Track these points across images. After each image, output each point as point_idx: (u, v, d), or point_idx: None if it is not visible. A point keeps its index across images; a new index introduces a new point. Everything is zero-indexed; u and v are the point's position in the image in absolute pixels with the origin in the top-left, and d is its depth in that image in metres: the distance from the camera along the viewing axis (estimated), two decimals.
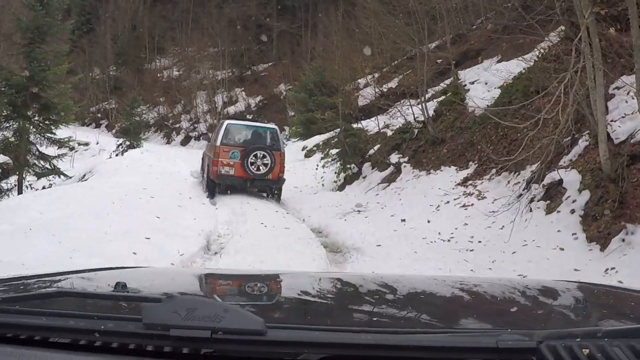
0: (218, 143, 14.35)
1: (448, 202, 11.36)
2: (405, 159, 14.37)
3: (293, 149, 23.62)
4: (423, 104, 14.12)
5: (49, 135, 19.79)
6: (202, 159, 17.51)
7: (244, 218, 11.52)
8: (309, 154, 22.36)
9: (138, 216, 9.97)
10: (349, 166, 16.30)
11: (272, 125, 16.77)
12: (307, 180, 17.66)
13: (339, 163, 16.59)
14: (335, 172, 16.56)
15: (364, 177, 15.55)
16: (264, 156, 14.12)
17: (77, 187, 14.74)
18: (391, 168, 14.52)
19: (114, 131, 47.17)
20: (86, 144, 38.92)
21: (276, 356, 1.21)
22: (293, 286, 2.27)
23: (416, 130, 15.25)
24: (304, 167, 19.59)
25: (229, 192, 14.34)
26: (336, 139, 17.04)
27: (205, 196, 14.39)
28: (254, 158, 14.06)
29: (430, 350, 1.19)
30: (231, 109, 43.34)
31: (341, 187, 16.06)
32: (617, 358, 1.11)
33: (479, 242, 9.10)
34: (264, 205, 13.67)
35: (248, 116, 34.98)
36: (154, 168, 19.12)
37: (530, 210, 9.29)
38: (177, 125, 45.55)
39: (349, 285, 2.34)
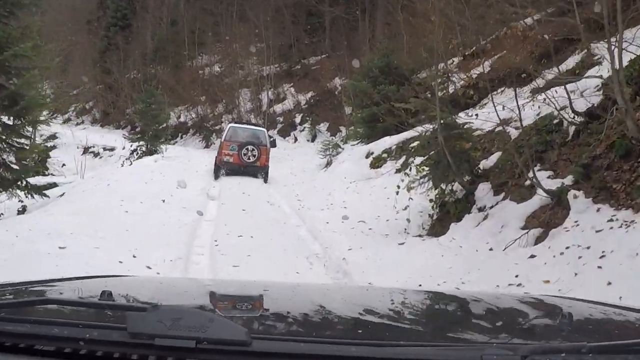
0: (223, 140, 20.04)
1: None
2: (569, 181, 7.64)
3: (354, 156, 17.26)
4: (616, 75, 7.16)
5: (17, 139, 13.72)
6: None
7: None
8: (376, 163, 15.78)
9: None
10: (448, 187, 9.72)
11: (261, 128, 23.77)
12: (377, 207, 11.28)
13: (429, 180, 9.97)
14: (431, 200, 9.92)
15: (483, 210, 8.98)
16: (252, 149, 19.23)
17: None
18: (540, 197, 7.79)
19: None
20: (112, 149, 33.28)
21: None
22: (279, 297, 2.24)
23: (572, 128, 8.50)
24: (370, 185, 13.17)
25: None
26: (425, 142, 10.47)
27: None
28: (246, 150, 19.10)
29: None
30: (278, 108, 37.12)
31: (438, 227, 9.60)
32: None
33: None
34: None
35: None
36: (150, 188, 12.87)
37: None
38: (218, 127, 39.62)
39: (335, 296, 2.31)
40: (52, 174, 23.81)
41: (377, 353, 1.20)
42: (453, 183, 9.80)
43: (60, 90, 58.60)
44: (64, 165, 29.65)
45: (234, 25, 42.36)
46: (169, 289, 2.35)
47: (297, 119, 35.43)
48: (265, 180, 19.08)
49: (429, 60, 19.32)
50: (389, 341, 1.38)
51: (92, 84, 53.09)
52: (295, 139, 33.90)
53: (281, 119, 36.43)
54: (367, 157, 16.96)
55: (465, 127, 9.68)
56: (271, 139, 33.80)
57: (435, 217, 9.94)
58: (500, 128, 10.51)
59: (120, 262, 7.20)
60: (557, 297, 2.43)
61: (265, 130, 22.33)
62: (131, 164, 20.44)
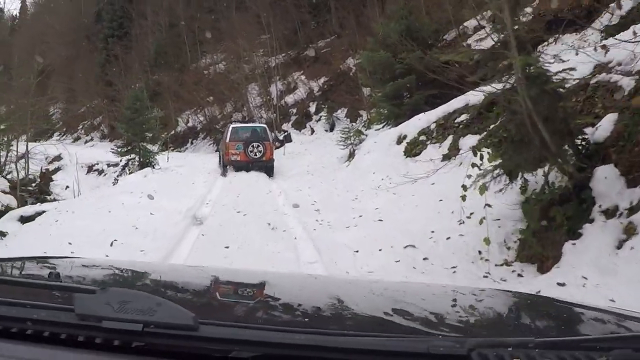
0: (227, 140, 20.14)
1: None
2: None
3: (381, 143, 13.61)
4: None
5: None
6: (219, 150, 23.53)
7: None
8: (412, 149, 11.98)
9: None
10: (537, 176, 6.00)
11: (262, 125, 23.75)
12: (427, 217, 7.70)
13: (496, 172, 6.20)
14: (524, 201, 6.23)
15: (614, 213, 5.19)
16: (258, 146, 19.76)
17: None
18: None
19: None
20: (115, 165, 30.12)
21: (207, 352, 1.17)
22: (229, 283, 2.22)
23: None
24: (410, 182, 9.38)
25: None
26: (491, 110, 6.77)
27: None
28: (252, 147, 19.66)
29: (361, 353, 1.16)
30: (290, 99, 33.39)
31: (537, 248, 5.77)
32: None
33: None
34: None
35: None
36: (113, 220, 9.44)
37: None
38: None
39: (285, 284, 2.28)
40: (55, 199, 21.12)
41: (323, 341, 1.18)
42: (547, 167, 6.02)
43: (67, 112, 56.21)
44: (67, 187, 26.45)
45: (234, 18, 38.64)
46: (119, 272, 2.27)
47: (312, 108, 31.69)
48: (271, 175, 19.32)
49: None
50: (335, 330, 1.36)
51: (98, 99, 49.90)
52: (312, 131, 30.18)
53: (294, 111, 32.73)
54: (398, 142, 13.20)
55: (562, 79, 5.78)
56: (285, 134, 30.61)
57: (527, 230, 6.10)
58: (601, 77, 6.72)
59: None
60: (510, 292, 2.36)
61: (266, 126, 22.69)
62: (116, 182, 16.92)
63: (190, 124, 39.37)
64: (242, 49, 36.17)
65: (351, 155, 19.59)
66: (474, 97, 11.36)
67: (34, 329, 1.22)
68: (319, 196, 12.38)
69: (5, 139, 25.62)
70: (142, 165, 20.72)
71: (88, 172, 32.37)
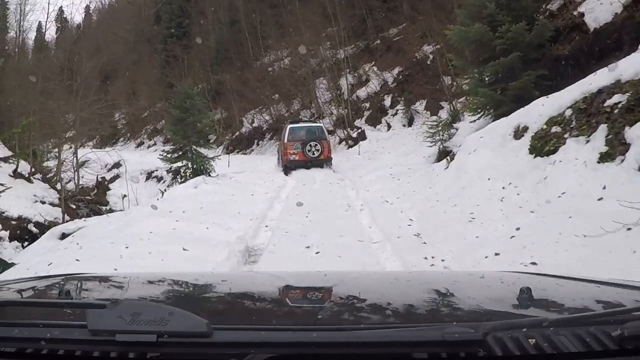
0: (285, 141, 20.61)
1: None
2: None
3: (490, 138, 10.81)
4: None
5: None
6: (278, 152, 24.29)
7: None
8: (542, 146, 8.85)
9: None
10: None
11: (318, 124, 23.78)
12: (610, 255, 4.55)
13: None
14: None
15: None
16: (315, 145, 20.16)
17: None
18: None
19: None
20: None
21: (222, 357, 1.18)
22: (239, 287, 2.23)
23: None
24: (555, 193, 6.43)
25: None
26: None
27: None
28: (309, 147, 20.05)
29: (376, 346, 1.16)
30: (362, 92, 30.41)
31: None
32: (564, 347, 1.11)
33: None
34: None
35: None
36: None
37: None
38: None
39: (294, 283, 2.27)
40: (111, 209, 19.56)
41: (337, 337, 1.19)
42: None
43: (130, 117, 54.80)
44: (125, 196, 24.09)
45: (298, 11, 35.79)
46: (128, 285, 2.23)
47: (387, 102, 28.60)
48: (330, 167, 20.06)
49: None
50: (351, 325, 1.39)
51: (160, 103, 48.12)
52: (388, 126, 27.11)
53: (367, 105, 29.71)
54: (517, 136, 10.04)
55: None
56: (359, 131, 27.65)
57: None
58: None
59: None
60: (518, 272, 2.39)
61: (322, 125, 23.24)
62: (162, 195, 14.31)
63: (255, 124, 36.90)
64: (308, 42, 33.34)
65: (447, 155, 16.50)
66: (629, 68, 8.13)
67: (49, 348, 1.20)
68: (416, 213, 9.29)
69: (57, 148, 23.76)
70: (195, 173, 18.12)
71: (147, 179, 30.64)
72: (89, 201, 21.02)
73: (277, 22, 38.98)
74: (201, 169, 18.38)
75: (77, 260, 7.22)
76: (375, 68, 31.59)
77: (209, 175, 18.19)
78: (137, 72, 53.08)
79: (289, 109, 35.07)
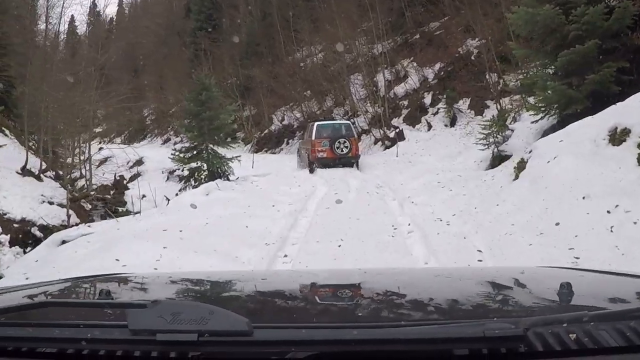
0: (313, 138, 19.77)
1: None
2: None
3: (574, 144, 8.23)
4: None
5: None
6: (298, 151, 23.82)
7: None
8: None
9: None
10: None
11: (346, 121, 23.60)
12: None
13: None
14: None
15: None
16: (344, 141, 19.51)
17: None
18: None
19: (248, 147, 33.64)
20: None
21: (263, 356, 1.17)
22: (278, 285, 2.20)
23: None
24: None
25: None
26: None
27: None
28: (338, 144, 19.39)
29: (416, 343, 1.15)
30: (400, 89, 28.09)
31: None
32: (604, 342, 1.09)
33: None
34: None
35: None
36: None
37: None
38: None
39: (333, 281, 2.26)
40: (128, 210, 17.68)
41: (377, 334, 1.17)
42: None
43: (158, 112, 53.06)
44: (144, 196, 21.93)
45: (333, 3, 33.46)
46: (167, 284, 2.22)
47: (427, 99, 26.24)
48: (357, 167, 19.47)
49: None
50: (391, 322, 1.37)
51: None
52: (429, 126, 24.74)
53: (405, 103, 27.36)
54: (614, 141, 7.79)
55: None
56: (396, 130, 25.33)
57: None
58: None
59: None
60: (556, 267, 2.41)
61: (350, 123, 22.96)
62: (168, 202, 12.22)
63: (285, 122, 34.79)
64: (343, 36, 31.03)
65: (498, 159, 14.15)
66: None
67: (90, 349, 1.20)
68: (487, 242, 6.97)
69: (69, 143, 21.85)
70: (211, 176, 15.91)
71: (168, 178, 28.81)
72: (107, 201, 19.14)
73: (311, 16, 36.76)
74: (218, 171, 16.17)
75: None
76: (414, 63, 29.24)
77: (228, 178, 16.06)
78: (165, 66, 51.26)
79: (322, 106, 32.88)
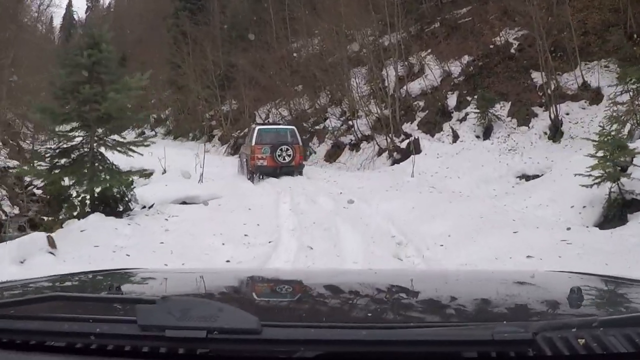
0: (253, 143, 17.21)
1: None
2: None
3: None
4: None
5: None
6: (240, 156, 20.55)
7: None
8: None
9: None
10: None
11: (291, 126, 19.57)
12: None
13: None
14: None
15: None
16: (287, 149, 16.94)
17: None
18: None
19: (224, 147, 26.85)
20: (147, 175, 18.74)
21: (272, 354, 1.14)
22: (287, 284, 2.11)
23: None
24: None
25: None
26: None
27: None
28: (280, 151, 16.87)
29: (425, 344, 1.12)
30: (414, 86, 20.94)
31: None
32: (613, 347, 1.06)
33: None
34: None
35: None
36: None
37: None
38: (320, 126, 24.09)
39: (343, 281, 2.15)
40: None
41: (386, 335, 1.13)
42: None
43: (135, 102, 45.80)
44: None
45: None
46: (177, 281, 2.15)
47: (451, 101, 19.16)
48: (300, 175, 17.08)
49: None
50: (400, 323, 1.33)
51: (169, 89, 38.93)
52: (455, 136, 17.59)
53: (422, 104, 20.13)
54: None
55: None
56: (410, 139, 18.22)
57: None
58: None
59: None
60: (565, 272, 2.20)
61: (295, 128, 19.08)
62: None
63: (270, 120, 27.59)
64: (346, 24, 23.77)
65: (619, 207, 7.05)
66: None
67: (98, 343, 1.16)
68: None
69: None
70: (101, 202, 8.47)
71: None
72: None
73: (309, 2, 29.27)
74: (114, 194, 8.75)
75: None
76: (433, 56, 22.01)
77: (127, 207, 8.79)
78: (148, 52, 43.99)
79: (314, 104, 25.65)
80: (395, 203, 10.63)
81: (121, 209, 8.96)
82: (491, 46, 20.08)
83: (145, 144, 9.75)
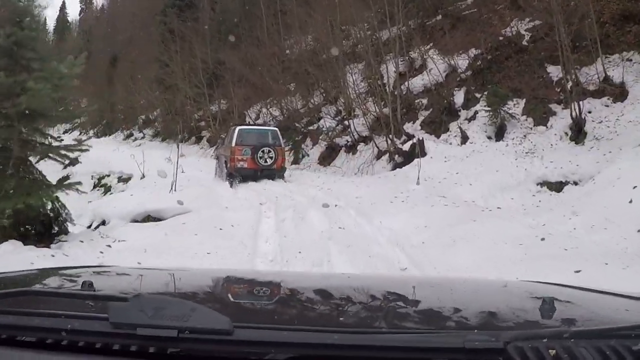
0: (233, 144, 16.21)
1: None
2: None
3: None
4: None
5: None
6: (218, 158, 19.28)
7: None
8: None
9: None
10: None
11: (273, 127, 18.89)
12: None
13: None
14: None
15: None
16: (269, 151, 16.05)
17: None
18: None
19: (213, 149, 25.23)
20: (126, 180, 18.82)
21: (243, 356, 1.12)
22: (262, 285, 2.09)
23: None
24: None
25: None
26: None
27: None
28: (261, 153, 15.98)
29: (397, 350, 1.11)
30: (416, 83, 18.98)
31: None
32: (583, 359, 1.06)
33: None
34: None
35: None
36: None
37: None
38: (314, 127, 22.08)
39: (317, 285, 2.12)
40: None
41: (358, 340, 1.12)
42: None
43: (126, 102, 43.75)
44: None
45: None
46: (151, 279, 2.08)
47: (458, 98, 17.15)
48: (282, 179, 16.13)
49: None
50: (372, 328, 1.32)
51: (157, 89, 36.89)
52: (463, 137, 15.53)
53: (424, 102, 18.10)
54: None
55: None
56: (414, 141, 16.17)
57: None
58: None
59: None
60: (539, 282, 2.17)
61: (277, 129, 18.09)
62: None
63: (260, 120, 25.70)
64: (341, 19, 21.75)
65: None
66: None
67: (69, 339, 1.14)
68: None
69: None
70: (25, 224, 6.45)
71: (95, 187, 20.05)
72: None
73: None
74: (43, 216, 6.62)
75: None
76: (435, 50, 19.99)
77: (62, 229, 6.75)
78: (137, 51, 41.93)
79: (307, 103, 23.63)
80: (401, 218, 8.55)
81: (56, 231, 6.96)
82: (501, 38, 18.04)
83: (83, 148, 7.60)
